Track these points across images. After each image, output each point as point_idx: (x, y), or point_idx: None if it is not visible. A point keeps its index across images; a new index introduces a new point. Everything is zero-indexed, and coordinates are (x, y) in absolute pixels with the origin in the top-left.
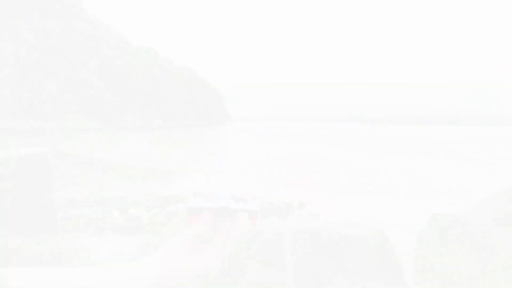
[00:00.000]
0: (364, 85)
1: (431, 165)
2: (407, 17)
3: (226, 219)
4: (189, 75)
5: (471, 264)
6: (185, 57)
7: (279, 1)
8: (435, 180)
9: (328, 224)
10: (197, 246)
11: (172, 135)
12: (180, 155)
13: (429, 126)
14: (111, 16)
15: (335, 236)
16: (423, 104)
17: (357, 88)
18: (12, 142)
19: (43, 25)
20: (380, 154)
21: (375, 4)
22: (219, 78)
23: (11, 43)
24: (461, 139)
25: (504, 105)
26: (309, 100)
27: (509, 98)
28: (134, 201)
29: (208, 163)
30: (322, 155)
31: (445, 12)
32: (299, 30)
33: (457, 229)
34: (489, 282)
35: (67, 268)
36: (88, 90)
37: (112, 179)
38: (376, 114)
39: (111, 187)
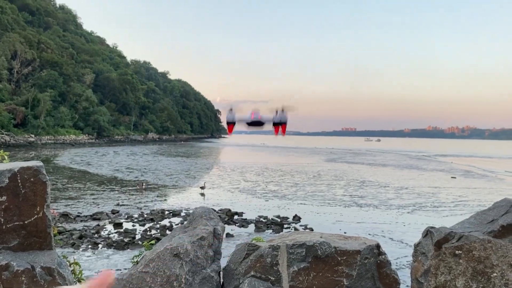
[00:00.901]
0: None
1: (425, 178)
2: None
3: None
4: (184, 88)
5: (468, 277)
6: (181, 70)
7: None
8: (429, 192)
9: (323, 238)
10: None
11: (167, 149)
12: (175, 169)
13: (421, 139)
14: (106, 30)
15: (331, 249)
16: (420, 118)
17: (352, 101)
18: (6, 156)
19: (38, 39)
20: (374, 167)
21: None
22: (214, 91)
23: (6, 56)
24: (455, 151)
25: None
26: (303, 113)
27: None
28: (128, 215)
29: (203, 176)
30: (316, 168)
31: None
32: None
33: (453, 242)
34: None
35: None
36: (83, 103)
37: (106, 193)
38: (371, 126)
39: (105, 201)
